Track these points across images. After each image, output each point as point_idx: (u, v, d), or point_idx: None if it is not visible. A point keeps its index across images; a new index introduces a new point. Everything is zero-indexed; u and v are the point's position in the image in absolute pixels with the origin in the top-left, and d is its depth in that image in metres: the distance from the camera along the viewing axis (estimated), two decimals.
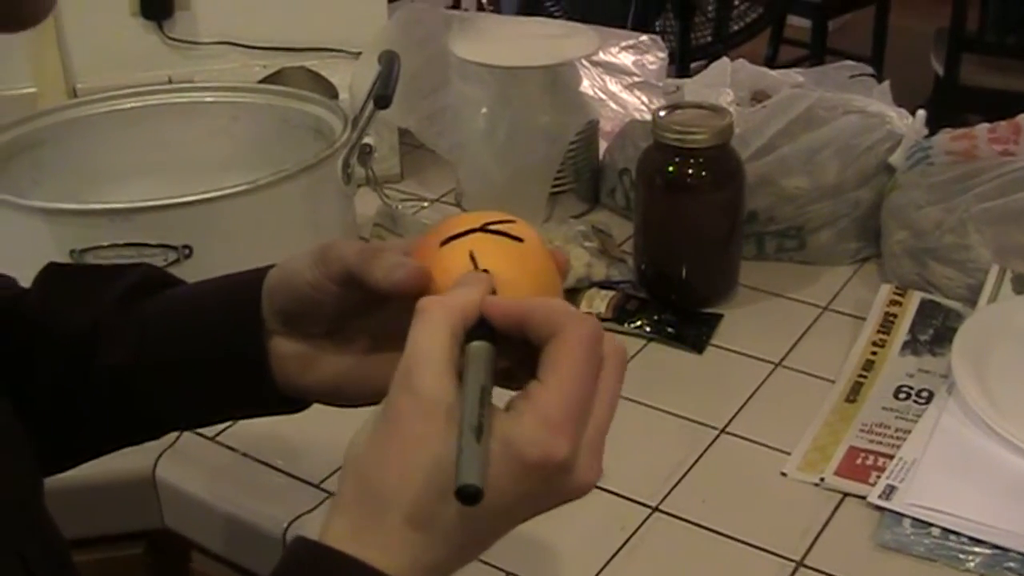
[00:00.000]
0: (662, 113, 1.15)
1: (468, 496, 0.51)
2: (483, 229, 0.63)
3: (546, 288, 0.62)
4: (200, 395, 0.73)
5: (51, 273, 0.78)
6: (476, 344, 0.57)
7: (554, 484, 0.56)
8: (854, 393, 1.04)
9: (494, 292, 0.60)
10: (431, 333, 0.56)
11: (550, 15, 2.95)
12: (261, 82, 1.42)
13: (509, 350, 0.58)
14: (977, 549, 0.86)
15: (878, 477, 0.93)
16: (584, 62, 1.47)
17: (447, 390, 0.55)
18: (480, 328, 0.57)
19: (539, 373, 0.56)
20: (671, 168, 1.14)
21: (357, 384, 0.70)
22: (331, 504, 0.58)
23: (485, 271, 0.61)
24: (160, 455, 1.00)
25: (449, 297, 0.58)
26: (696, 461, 0.98)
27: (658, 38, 1.60)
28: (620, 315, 1.15)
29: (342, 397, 0.71)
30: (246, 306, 0.70)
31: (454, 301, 0.57)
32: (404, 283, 0.62)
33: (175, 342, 0.72)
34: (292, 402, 0.72)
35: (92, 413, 0.74)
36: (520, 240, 0.63)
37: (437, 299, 0.58)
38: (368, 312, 0.68)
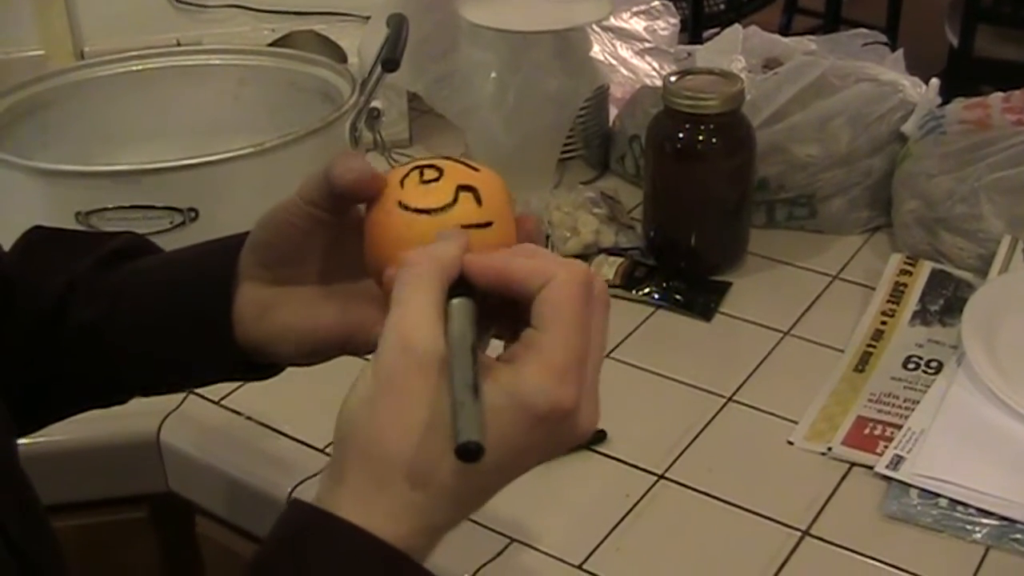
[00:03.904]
0: (673, 79, 1.14)
1: (469, 453, 0.50)
2: (443, 158, 0.63)
3: (500, 212, 0.61)
4: (164, 345, 0.71)
5: (33, 236, 0.77)
6: (459, 300, 0.56)
7: (560, 432, 0.55)
8: (863, 363, 1.03)
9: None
10: (420, 287, 0.55)
11: None
12: (270, 46, 1.41)
13: (485, 306, 0.58)
14: (984, 520, 0.86)
15: (886, 447, 0.92)
16: (595, 27, 1.46)
17: (441, 345, 0.54)
18: (459, 285, 0.57)
19: (536, 321, 0.55)
20: (681, 134, 1.13)
21: (309, 335, 0.68)
22: (325, 475, 0.56)
23: (464, 227, 0.60)
24: (164, 418, 1.00)
25: (434, 249, 0.57)
26: (703, 429, 0.98)
27: (670, 4, 1.59)
28: (628, 282, 1.15)
29: (293, 349, 0.69)
30: (220, 253, 0.69)
31: (439, 254, 0.56)
32: (358, 181, 0.61)
33: (146, 297, 0.71)
34: (255, 366, 0.71)
35: (61, 373, 0.73)
36: (476, 170, 0.62)
37: (423, 251, 0.57)
38: (328, 251, 0.68)
